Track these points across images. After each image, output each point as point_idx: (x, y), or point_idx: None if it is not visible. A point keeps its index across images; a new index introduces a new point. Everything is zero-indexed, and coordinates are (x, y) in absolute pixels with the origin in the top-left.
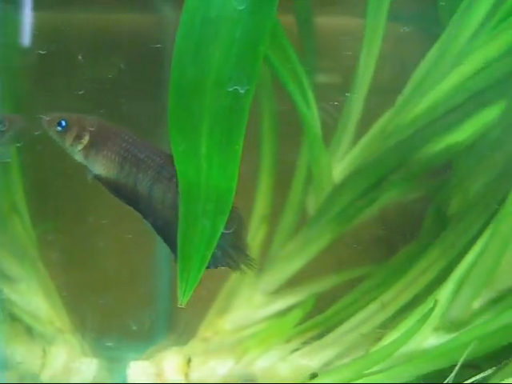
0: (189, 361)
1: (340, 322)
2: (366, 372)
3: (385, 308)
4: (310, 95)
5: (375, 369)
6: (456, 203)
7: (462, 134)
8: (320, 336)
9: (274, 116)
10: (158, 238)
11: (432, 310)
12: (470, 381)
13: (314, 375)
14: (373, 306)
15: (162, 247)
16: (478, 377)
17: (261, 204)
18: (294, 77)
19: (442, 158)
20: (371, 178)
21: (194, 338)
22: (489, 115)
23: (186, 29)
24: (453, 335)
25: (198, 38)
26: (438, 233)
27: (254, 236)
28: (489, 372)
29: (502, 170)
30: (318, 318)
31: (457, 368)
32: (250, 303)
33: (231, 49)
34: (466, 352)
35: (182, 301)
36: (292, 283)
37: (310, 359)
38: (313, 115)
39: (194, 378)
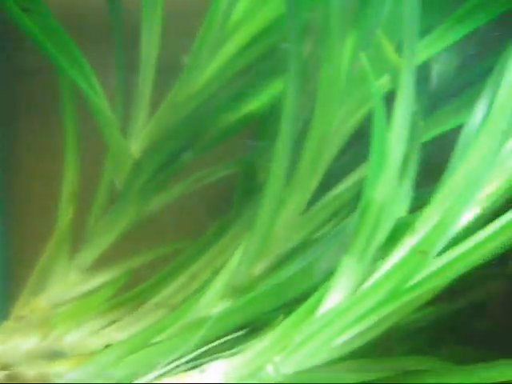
0: None
1: (153, 296)
2: (154, 340)
3: (194, 279)
4: (94, 81)
5: (163, 337)
6: (261, 175)
7: (252, 105)
8: (133, 310)
9: (72, 94)
10: None
11: (212, 278)
12: None
13: (108, 345)
14: (182, 279)
15: None
16: None
17: (68, 182)
18: (75, 64)
19: (236, 130)
20: (166, 151)
21: (8, 318)
22: (279, 85)
23: None
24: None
25: None
26: (246, 205)
27: (64, 215)
28: (245, 331)
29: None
30: (130, 292)
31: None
32: (66, 280)
33: None
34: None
35: None
36: (110, 259)
37: (123, 333)
38: (100, 98)
39: None
